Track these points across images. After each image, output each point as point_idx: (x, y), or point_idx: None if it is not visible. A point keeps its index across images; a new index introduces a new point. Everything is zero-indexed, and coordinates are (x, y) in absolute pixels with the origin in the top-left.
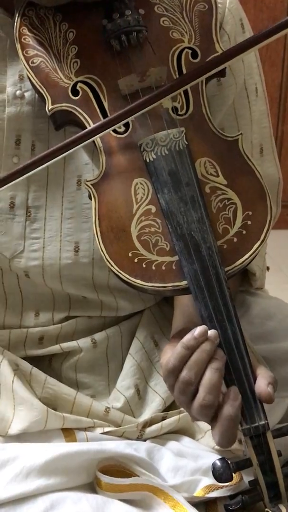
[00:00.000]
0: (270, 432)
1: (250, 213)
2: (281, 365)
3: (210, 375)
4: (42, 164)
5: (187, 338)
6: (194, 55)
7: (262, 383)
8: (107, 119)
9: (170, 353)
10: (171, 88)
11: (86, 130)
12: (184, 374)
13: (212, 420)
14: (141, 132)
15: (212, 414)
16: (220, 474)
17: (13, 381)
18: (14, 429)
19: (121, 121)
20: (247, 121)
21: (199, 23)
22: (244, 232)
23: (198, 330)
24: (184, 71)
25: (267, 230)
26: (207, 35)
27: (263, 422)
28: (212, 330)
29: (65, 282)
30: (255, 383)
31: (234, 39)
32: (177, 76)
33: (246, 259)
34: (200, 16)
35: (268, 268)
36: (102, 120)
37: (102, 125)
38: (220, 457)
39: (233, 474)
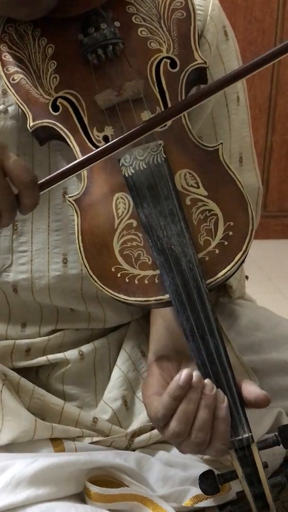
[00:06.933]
0: (255, 444)
1: (232, 223)
2: (270, 376)
3: (201, 416)
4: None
5: (173, 387)
6: (173, 64)
7: (252, 387)
8: (86, 156)
9: (155, 385)
10: (155, 123)
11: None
12: (174, 426)
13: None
14: None
15: (203, 449)
16: (206, 486)
17: (1, 391)
18: (3, 439)
19: (102, 158)
20: (226, 129)
21: (177, 32)
22: (226, 243)
23: (182, 378)
24: (163, 81)
25: (249, 240)
26: (186, 44)
27: (246, 435)
28: (196, 375)
29: (54, 294)
30: (238, 395)
31: (216, 47)
32: (155, 87)
33: (229, 270)
34: (178, 24)
35: (247, 277)
36: (82, 157)
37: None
38: (207, 468)
39: (219, 486)
